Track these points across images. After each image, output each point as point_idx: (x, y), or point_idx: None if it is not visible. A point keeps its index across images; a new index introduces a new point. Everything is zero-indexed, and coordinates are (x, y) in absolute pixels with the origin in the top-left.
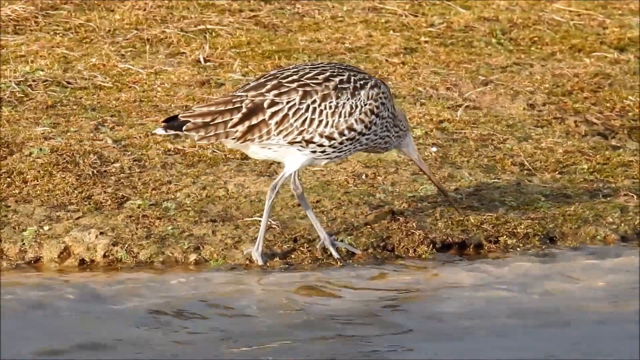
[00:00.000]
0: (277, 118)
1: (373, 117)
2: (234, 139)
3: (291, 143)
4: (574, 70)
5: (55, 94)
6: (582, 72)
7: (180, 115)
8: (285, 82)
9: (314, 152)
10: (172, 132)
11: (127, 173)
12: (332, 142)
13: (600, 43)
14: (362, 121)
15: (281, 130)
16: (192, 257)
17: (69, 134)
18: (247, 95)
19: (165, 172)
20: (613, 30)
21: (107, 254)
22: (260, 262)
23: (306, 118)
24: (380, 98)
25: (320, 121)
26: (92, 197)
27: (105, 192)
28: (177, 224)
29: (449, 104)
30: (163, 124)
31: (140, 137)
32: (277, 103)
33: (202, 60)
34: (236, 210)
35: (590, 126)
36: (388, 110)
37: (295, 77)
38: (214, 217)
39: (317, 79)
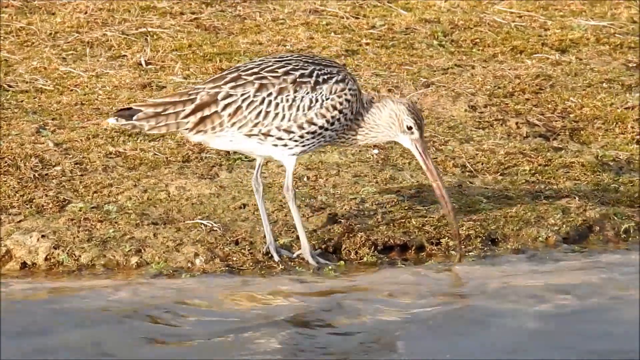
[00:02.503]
0: (230, 110)
1: (336, 112)
2: (186, 129)
3: (248, 135)
4: (515, 72)
5: None
6: (523, 74)
7: (133, 105)
8: (244, 75)
9: (276, 145)
10: (124, 121)
11: (69, 176)
12: (292, 135)
13: (542, 44)
14: (324, 116)
15: (234, 122)
16: (134, 260)
17: (10, 137)
18: (204, 88)
19: (106, 175)
20: (554, 31)
21: (48, 257)
22: (313, 262)
23: (261, 111)
24: (345, 94)
25: (277, 114)
26: (34, 201)
27: (46, 195)
28: (119, 227)
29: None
30: (116, 114)
31: (81, 140)
32: (232, 95)
33: (143, 63)
34: (177, 213)
35: (532, 127)
36: (353, 109)
37: (256, 69)
38: (155, 220)
39: (276, 72)
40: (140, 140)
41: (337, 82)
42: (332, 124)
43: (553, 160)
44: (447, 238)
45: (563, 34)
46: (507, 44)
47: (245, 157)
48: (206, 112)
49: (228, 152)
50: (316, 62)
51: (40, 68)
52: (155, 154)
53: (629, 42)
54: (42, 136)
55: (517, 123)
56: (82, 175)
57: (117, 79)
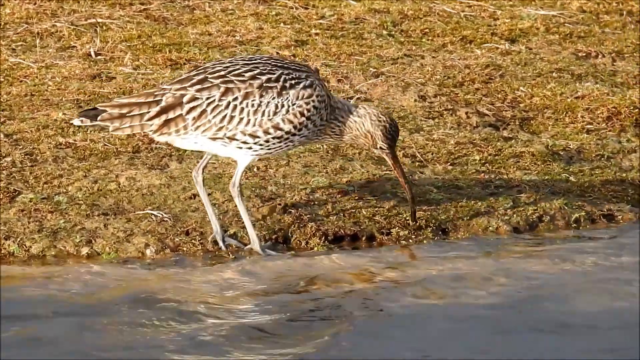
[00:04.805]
0: (194, 113)
1: (303, 119)
2: (150, 131)
3: (213, 139)
4: (465, 62)
5: None
6: (473, 64)
7: (98, 105)
8: (211, 77)
9: (240, 148)
10: (89, 122)
11: (19, 167)
12: (257, 139)
13: (492, 34)
14: (291, 122)
15: (199, 126)
16: (84, 250)
17: None
18: (170, 89)
19: (56, 165)
20: (504, 21)
21: None
22: (264, 254)
23: (226, 115)
24: (313, 101)
25: (241, 119)
26: None
27: None
28: (69, 218)
29: (340, 96)
30: (80, 114)
31: (31, 131)
32: (197, 98)
33: (92, 53)
34: (128, 204)
35: (482, 117)
36: (323, 116)
37: (222, 72)
38: (105, 211)
39: (243, 76)
40: (90, 131)
41: (304, 87)
42: (300, 129)
43: (503, 150)
44: (397, 228)
45: (513, 24)
46: (457, 34)
47: None
48: (171, 114)
49: None
50: (285, 66)
51: None
52: (105, 145)
53: (579, 31)
54: None
55: (467, 113)
56: (32, 166)
57: (66, 69)
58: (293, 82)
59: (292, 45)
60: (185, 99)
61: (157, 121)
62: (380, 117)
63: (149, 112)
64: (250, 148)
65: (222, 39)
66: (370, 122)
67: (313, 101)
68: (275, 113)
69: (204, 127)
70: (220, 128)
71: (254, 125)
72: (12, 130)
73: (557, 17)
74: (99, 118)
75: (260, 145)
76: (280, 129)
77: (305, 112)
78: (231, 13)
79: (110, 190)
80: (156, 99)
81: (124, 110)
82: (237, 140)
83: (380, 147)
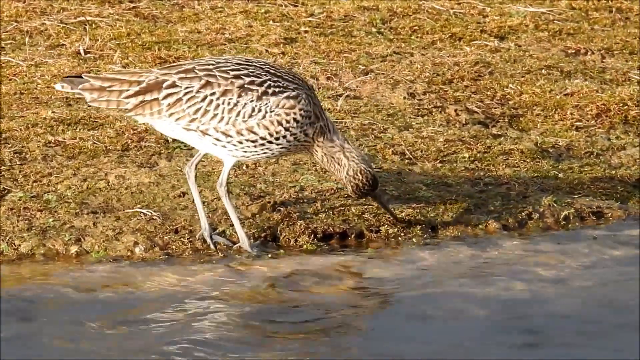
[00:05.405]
0: (170, 100)
1: (281, 128)
2: (125, 109)
3: (186, 129)
4: (454, 59)
5: None
6: (462, 61)
7: (84, 74)
8: (197, 69)
9: (215, 144)
10: (69, 88)
11: (8, 165)
12: (230, 139)
13: (481, 31)
14: (266, 128)
15: (172, 113)
16: (74, 249)
17: None
18: (157, 73)
19: (46, 164)
20: (493, 18)
21: None
22: (253, 253)
23: (200, 108)
24: (295, 113)
25: (215, 115)
26: None
27: None
28: (59, 216)
29: (329, 94)
30: (64, 79)
31: (20, 129)
32: (177, 86)
33: (82, 52)
34: (117, 202)
35: (471, 115)
36: (308, 132)
37: (211, 67)
38: (95, 209)
39: (227, 74)
40: (80, 129)
41: (287, 97)
42: (277, 139)
43: (492, 147)
44: (386, 225)
45: (502, 21)
46: (446, 31)
47: (185, 146)
48: (148, 97)
49: (167, 140)
50: (277, 74)
51: None
52: (94, 143)
53: (568, 28)
54: None
55: (456, 110)
56: (21, 164)
57: (56, 68)
58: (277, 89)
59: (282, 43)
60: (165, 84)
61: (134, 100)
62: (357, 175)
63: (128, 90)
64: (224, 147)
65: (211, 36)
66: (345, 174)
67: (295, 113)
68: (250, 116)
69: (178, 116)
70: (193, 119)
71: (227, 123)
72: (1, 129)
73: (546, 14)
74: (79, 86)
75: (234, 145)
76: (255, 133)
77: (284, 122)
78: (220, 11)
79: (99, 188)
80: (140, 79)
81: (106, 84)
82: (210, 135)
83: (349, 194)
